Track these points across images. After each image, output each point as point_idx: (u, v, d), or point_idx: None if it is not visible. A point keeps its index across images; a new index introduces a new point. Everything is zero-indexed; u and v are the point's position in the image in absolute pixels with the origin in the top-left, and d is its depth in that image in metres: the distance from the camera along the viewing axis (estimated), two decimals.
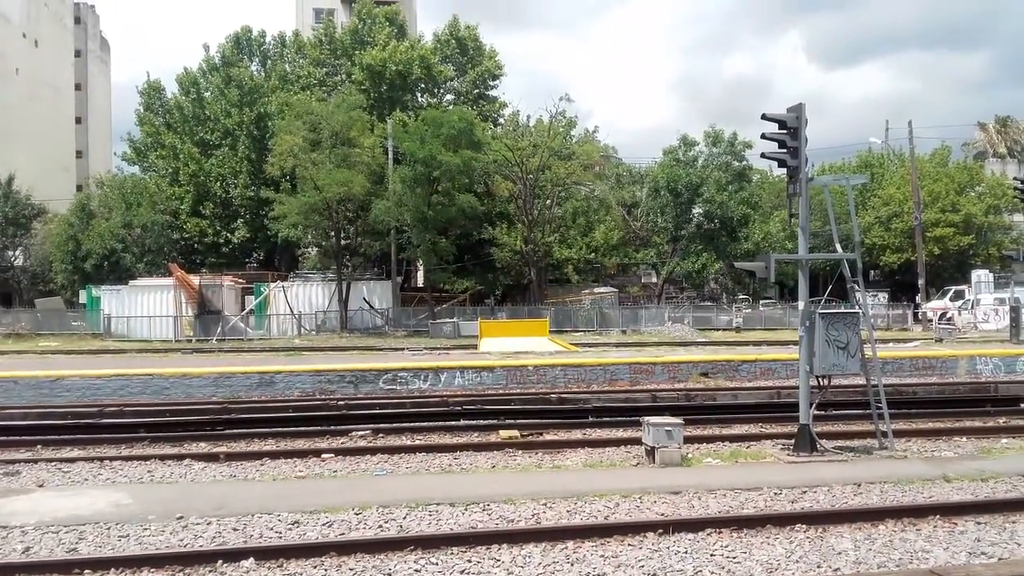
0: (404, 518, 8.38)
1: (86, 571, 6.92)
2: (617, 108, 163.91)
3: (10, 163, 57.54)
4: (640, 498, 9.09)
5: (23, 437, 13.83)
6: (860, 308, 12.43)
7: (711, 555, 7.23)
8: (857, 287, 12.49)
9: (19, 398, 18.24)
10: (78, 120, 77.91)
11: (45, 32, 69.44)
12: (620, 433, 13.92)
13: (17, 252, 55.03)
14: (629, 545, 7.50)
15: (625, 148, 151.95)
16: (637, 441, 12.07)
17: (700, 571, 6.86)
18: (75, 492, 10.03)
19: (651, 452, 11.18)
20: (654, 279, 55.19)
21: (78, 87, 77.99)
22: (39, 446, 13.31)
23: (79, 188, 66.96)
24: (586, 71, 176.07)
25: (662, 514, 8.50)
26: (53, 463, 11.94)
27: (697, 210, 51.52)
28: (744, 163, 51.74)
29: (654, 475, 10.43)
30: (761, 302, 49.95)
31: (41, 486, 10.45)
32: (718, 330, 41.44)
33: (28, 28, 66.51)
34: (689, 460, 11.35)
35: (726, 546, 7.48)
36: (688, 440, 11.94)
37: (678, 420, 11.41)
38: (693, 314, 44.39)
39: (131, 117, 60.41)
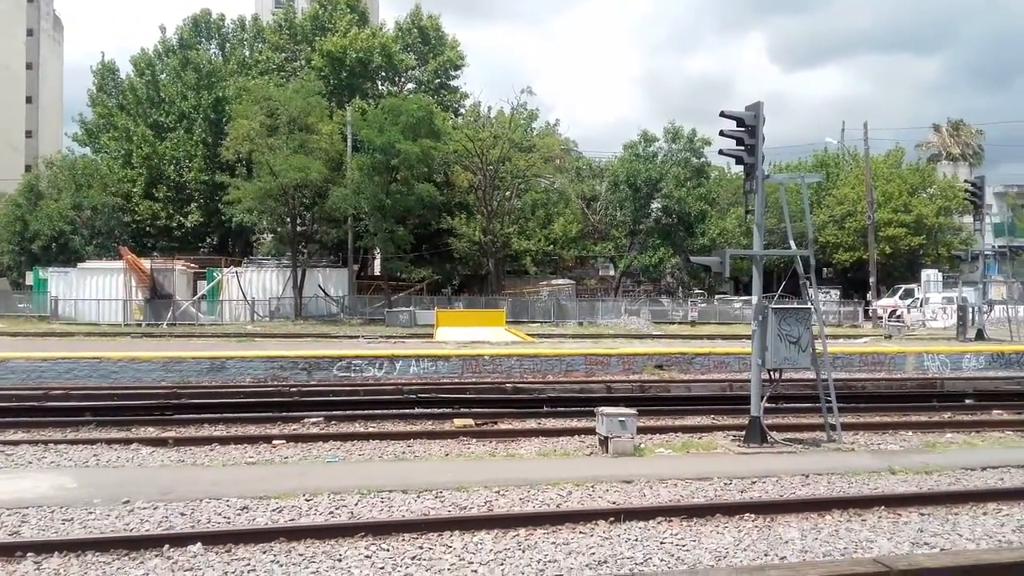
0: (355, 504, 8.32)
1: (29, 554, 6.76)
2: (579, 102, 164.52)
3: None
4: (592, 487, 9.13)
5: None
6: (812, 304, 12.61)
7: (661, 543, 7.29)
8: (809, 284, 12.67)
9: None
10: (28, 99, 76.03)
11: None
12: (575, 423, 13.99)
13: None
14: (581, 533, 7.53)
15: (586, 142, 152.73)
16: (591, 431, 12.12)
17: (650, 558, 6.91)
18: (18, 475, 9.83)
19: (605, 442, 11.24)
20: (612, 272, 55.55)
21: (29, 66, 76.04)
22: None
23: (28, 168, 65.23)
24: (550, 65, 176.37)
25: (614, 502, 8.55)
26: None
27: (655, 205, 51.90)
28: (703, 160, 52.23)
29: (607, 464, 10.48)
30: (716, 296, 50.53)
31: None
32: (674, 323, 41.85)
33: None
34: (642, 450, 11.43)
35: (676, 534, 7.54)
36: (641, 431, 12.04)
37: (632, 411, 11.48)
38: (649, 307, 44.76)
39: (83, 98, 59.06)
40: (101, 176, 48.36)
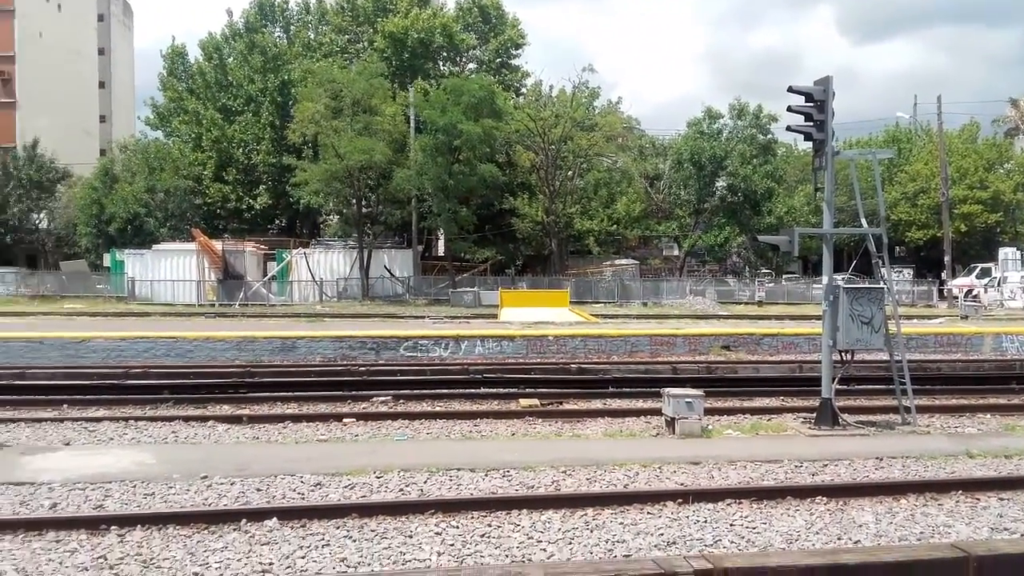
0: (425, 482, 8.44)
1: (113, 527, 6.97)
2: (642, 80, 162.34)
3: (34, 127, 57.91)
4: (660, 468, 9.10)
5: (50, 396, 14.01)
6: (885, 283, 12.29)
7: (730, 525, 7.24)
8: (882, 262, 12.35)
9: (46, 358, 18.46)
10: (101, 85, 78.10)
11: None
12: (640, 404, 13.93)
13: (42, 215, 55.53)
14: (648, 513, 7.52)
15: (649, 120, 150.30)
16: (657, 412, 12.06)
17: (719, 540, 6.87)
18: (101, 451, 10.13)
19: (671, 423, 11.18)
20: (676, 252, 54.99)
21: (101, 51, 78.07)
22: (65, 405, 13.45)
23: (102, 152, 67.30)
24: (612, 43, 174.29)
25: (681, 484, 8.52)
26: (79, 422, 12.06)
27: (720, 183, 51.13)
28: (769, 136, 51.22)
29: (674, 446, 10.43)
30: (784, 276, 49.63)
31: (68, 444, 10.56)
32: (740, 304, 41.30)
33: None
34: (709, 432, 11.34)
35: (746, 516, 7.48)
36: (708, 412, 11.92)
37: (699, 392, 11.39)
38: (715, 287, 44.28)
39: (154, 82, 60.52)
40: (173, 159, 49.65)
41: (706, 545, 6.75)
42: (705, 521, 7.33)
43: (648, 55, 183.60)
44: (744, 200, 49.61)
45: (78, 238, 51.90)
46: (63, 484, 8.23)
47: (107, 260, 46.88)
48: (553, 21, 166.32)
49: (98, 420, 12.24)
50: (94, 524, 7.02)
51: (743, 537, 6.95)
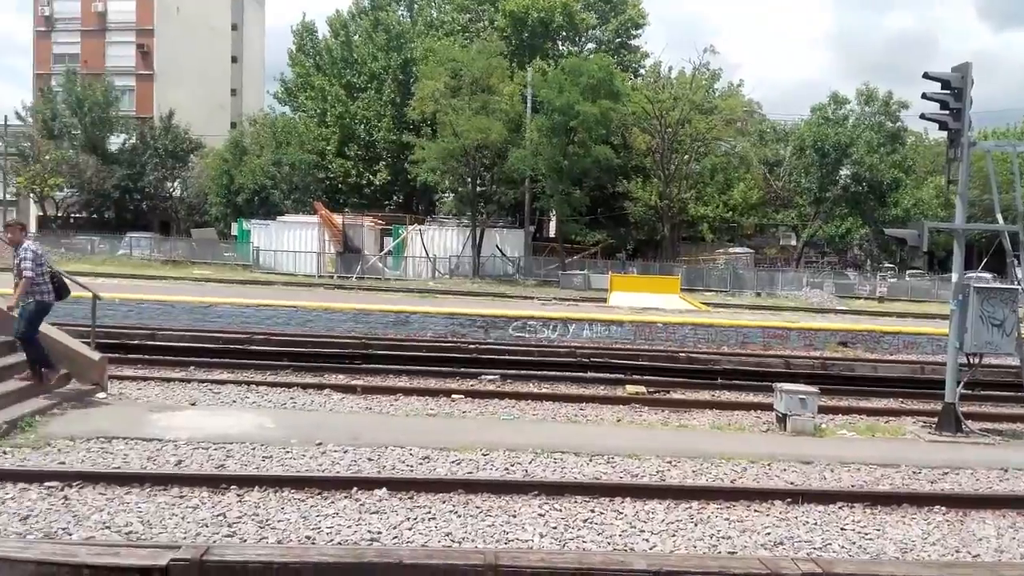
0: (530, 463, 8.53)
1: (232, 487, 7.27)
2: (765, 62, 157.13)
3: (170, 99, 60.95)
4: (769, 465, 8.92)
5: (179, 358, 14.83)
6: (1020, 284, 11.61)
7: (841, 529, 7.05)
8: (1018, 262, 11.66)
9: (175, 321, 19.55)
10: (234, 59, 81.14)
11: None
12: (750, 397, 13.67)
13: (176, 184, 58.45)
14: (756, 511, 7.39)
15: (771, 104, 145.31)
16: (768, 407, 11.81)
17: (829, 544, 6.70)
18: (224, 412, 10.59)
19: (782, 419, 10.93)
20: (793, 242, 53.34)
21: (234, 27, 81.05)
22: (192, 367, 14.21)
23: (233, 125, 70.20)
24: (735, 23, 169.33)
25: (791, 483, 8.33)
26: (205, 384, 12.67)
27: (844, 171, 49.21)
28: (899, 124, 48.88)
29: (784, 443, 10.19)
30: (908, 272, 47.45)
31: (193, 404, 11.07)
32: (860, 299, 39.74)
33: None
34: (822, 431, 11.02)
35: (858, 521, 7.26)
36: (822, 410, 11.59)
37: (813, 388, 11.09)
38: (834, 280, 42.76)
39: (284, 58, 62.69)
40: (299, 134, 51.37)
41: (815, 548, 6.59)
42: (815, 523, 7.15)
43: (773, 37, 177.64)
44: (869, 190, 47.62)
45: (208, 207, 54.44)
46: (188, 442, 8.65)
47: (234, 229, 49.05)
48: (675, 1, 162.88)
49: (222, 383, 12.83)
50: (215, 482, 7.33)
51: (854, 543, 6.75)
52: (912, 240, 12.26)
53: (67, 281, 10.55)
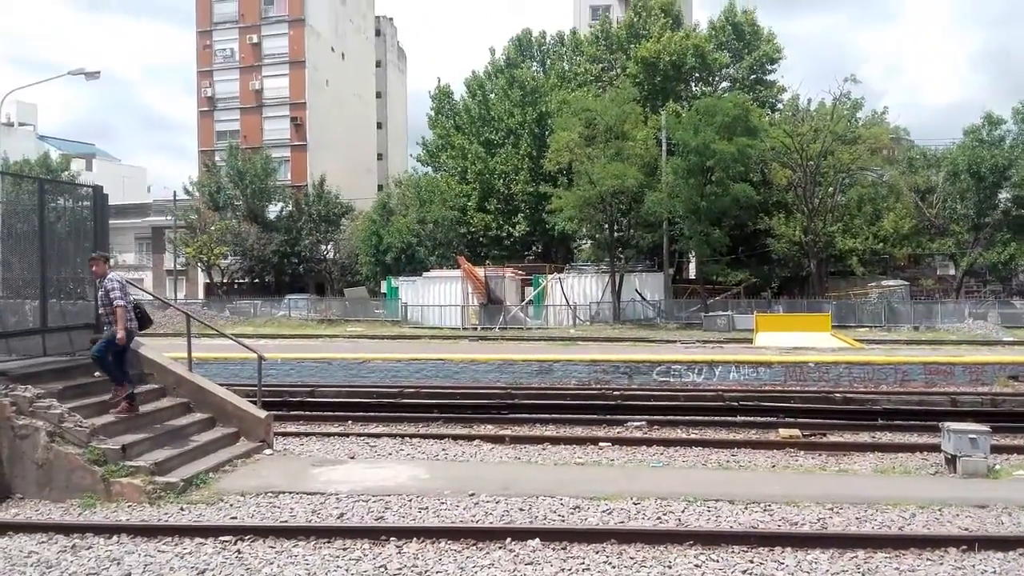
0: (682, 512, 8.40)
1: (392, 538, 7.52)
2: (912, 87, 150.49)
3: (322, 166, 64.57)
4: (940, 510, 8.41)
5: (336, 413, 15.54)
6: None
7: None
8: None
9: (332, 377, 20.51)
10: (379, 125, 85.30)
11: (350, 45, 76.70)
12: (914, 439, 12.96)
13: (329, 246, 61.54)
14: (928, 560, 6.99)
15: (920, 129, 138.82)
16: (934, 448, 11.17)
17: None
18: (380, 465, 10.97)
19: (951, 461, 10.29)
20: (951, 271, 50.20)
21: (378, 95, 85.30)
22: (349, 421, 14.86)
23: (380, 188, 73.51)
24: (878, 49, 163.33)
25: (966, 528, 7.82)
26: (362, 437, 13.21)
27: (1004, 195, 46.13)
28: None
29: (955, 486, 9.59)
30: None
31: (352, 458, 11.52)
32: None
33: (336, 42, 73.86)
34: (997, 472, 10.30)
35: None
36: (995, 450, 10.84)
37: (984, 427, 10.40)
38: (999, 310, 39.79)
39: (424, 120, 65.20)
40: (441, 192, 53.14)
41: None
42: (994, 572, 6.70)
43: (919, 59, 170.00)
44: None
45: (359, 267, 56.88)
46: (348, 495, 9.02)
47: (384, 287, 50.98)
48: (814, 31, 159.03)
49: (378, 436, 13.33)
50: (376, 535, 7.60)
51: None
52: None
53: (147, 311, 10.91)
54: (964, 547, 7.20)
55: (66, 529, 7.91)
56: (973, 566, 6.84)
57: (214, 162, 64.34)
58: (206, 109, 70.88)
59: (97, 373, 10.63)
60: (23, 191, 11.37)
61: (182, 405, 11.15)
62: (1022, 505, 8.56)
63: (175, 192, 61.84)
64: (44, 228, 10.64)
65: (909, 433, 13.49)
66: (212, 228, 56.61)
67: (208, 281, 61.36)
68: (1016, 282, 49.31)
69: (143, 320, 10.57)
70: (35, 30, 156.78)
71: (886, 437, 13.36)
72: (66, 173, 61.27)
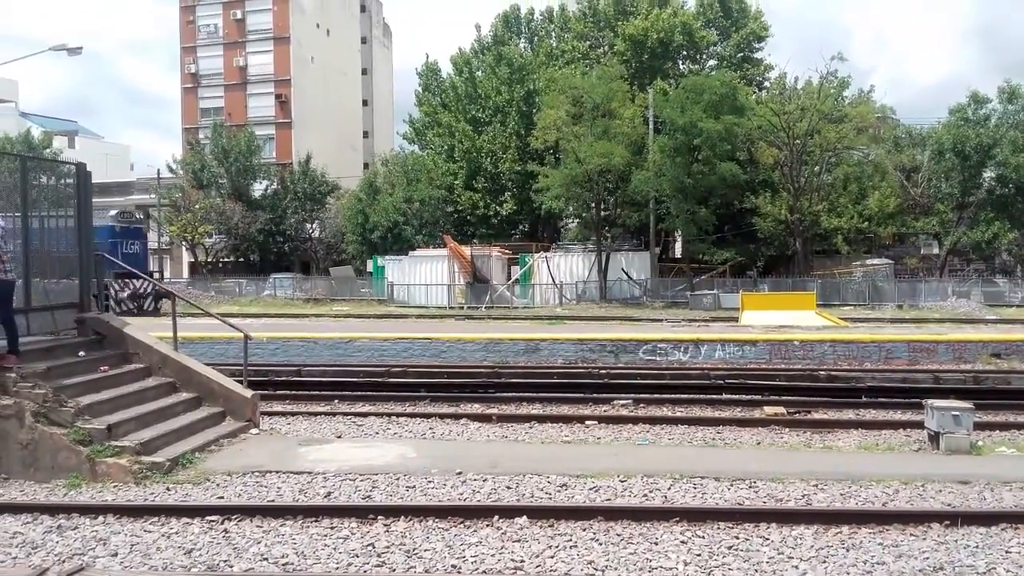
0: (668, 489, 8.46)
1: (379, 517, 7.53)
2: (899, 64, 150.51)
3: (307, 144, 64.09)
4: (923, 486, 8.51)
5: (323, 392, 15.53)
6: None
7: (1006, 552, 6.65)
8: None
9: (319, 357, 20.49)
10: (364, 103, 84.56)
11: (335, 21, 75.84)
12: (898, 415, 13.10)
13: (314, 225, 61.20)
14: (911, 535, 7.07)
15: (906, 107, 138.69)
16: (917, 425, 11.29)
17: (993, 568, 6.34)
18: (367, 444, 10.94)
19: (935, 437, 10.40)
20: (935, 250, 50.50)
21: (364, 72, 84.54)
22: (336, 401, 14.87)
23: (366, 166, 73.02)
24: (865, 24, 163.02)
25: (948, 504, 7.92)
26: (349, 416, 13.24)
27: (988, 174, 46.28)
28: None
29: (938, 462, 9.70)
30: None
31: (339, 437, 11.55)
32: (1011, 307, 37.18)
33: (321, 18, 73.04)
34: (979, 448, 10.41)
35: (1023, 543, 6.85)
36: (978, 426, 10.97)
37: (967, 404, 10.50)
38: (981, 288, 40.18)
39: (410, 98, 64.76)
40: (427, 171, 52.90)
41: (978, 573, 6.28)
42: (977, 546, 6.79)
43: (906, 35, 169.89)
44: (1016, 192, 44.61)
45: (345, 246, 56.63)
46: (336, 474, 9.01)
47: (370, 266, 50.80)
48: (801, 8, 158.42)
49: (364, 415, 13.37)
50: (363, 513, 7.62)
51: (1021, 566, 6.37)
52: None
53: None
54: (947, 522, 7.29)
55: (51, 509, 7.89)
56: (956, 541, 6.92)
57: (198, 140, 63.78)
58: (190, 86, 70.11)
59: (82, 352, 10.57)
60: (4, 169, 11.21)
61: (168, 385, 11.10)
62: (1004, 481, 8.67)
63: (159, 170, 61.19)
64: (27, 206, 10.52)
65: (893, 410, 13.63)
66: (196, 206, 56.15)
67: (193, 260, 61.00)
68: (999, 261, 49.64)
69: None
70: (15, 4, 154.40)
71: (870, 414, 13.49)
72: (48, 150, 60.30)
